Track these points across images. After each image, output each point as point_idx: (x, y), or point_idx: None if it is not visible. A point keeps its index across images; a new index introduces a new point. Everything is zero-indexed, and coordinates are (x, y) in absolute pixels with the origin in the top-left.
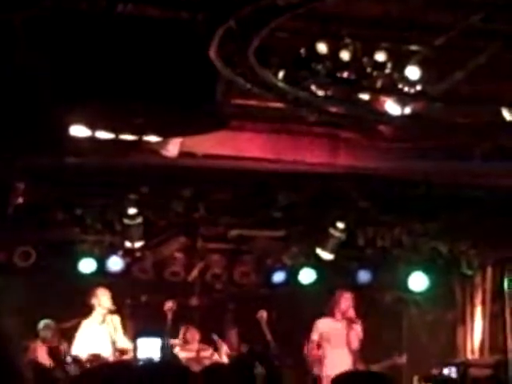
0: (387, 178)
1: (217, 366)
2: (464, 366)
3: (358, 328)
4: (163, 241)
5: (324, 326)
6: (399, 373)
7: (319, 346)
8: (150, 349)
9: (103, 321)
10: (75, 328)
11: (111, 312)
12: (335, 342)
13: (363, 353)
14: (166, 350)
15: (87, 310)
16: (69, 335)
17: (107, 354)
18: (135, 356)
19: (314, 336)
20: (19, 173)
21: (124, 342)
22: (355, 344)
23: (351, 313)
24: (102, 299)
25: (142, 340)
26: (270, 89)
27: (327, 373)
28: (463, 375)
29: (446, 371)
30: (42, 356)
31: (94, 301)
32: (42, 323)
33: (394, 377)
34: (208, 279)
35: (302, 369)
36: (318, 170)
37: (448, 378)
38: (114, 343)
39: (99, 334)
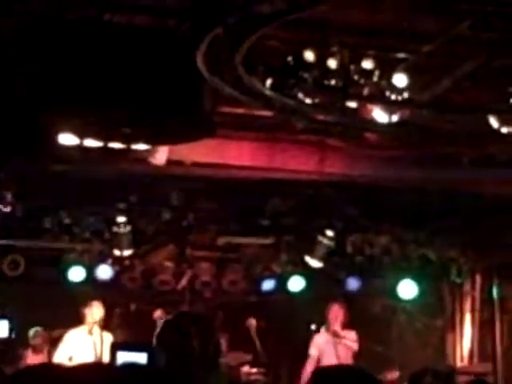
0: (375, 185)
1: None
2: (451, 372)
3: (346, 342)
4: (152, 249)
5: (320, 340)
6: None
7: (319, 361)
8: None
9: (90, 332)
10: (55, 340)
11: (101, 326)
12: (327, 356)
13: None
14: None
15: (77, 319)
16: (57, 344)
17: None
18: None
19: (313, 351)
20: (7, 181)
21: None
22: (346, 359)
23: (337, 326)
24: (95, 312)
25: (123, 354)
26: (258, 97)
27: None
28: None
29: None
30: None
31: (87, 311)
32: (32, 331)
33: None
34: (197, 287)
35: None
36: (306, 178)
37: None
38: (98, 355)
39: (83, 346)
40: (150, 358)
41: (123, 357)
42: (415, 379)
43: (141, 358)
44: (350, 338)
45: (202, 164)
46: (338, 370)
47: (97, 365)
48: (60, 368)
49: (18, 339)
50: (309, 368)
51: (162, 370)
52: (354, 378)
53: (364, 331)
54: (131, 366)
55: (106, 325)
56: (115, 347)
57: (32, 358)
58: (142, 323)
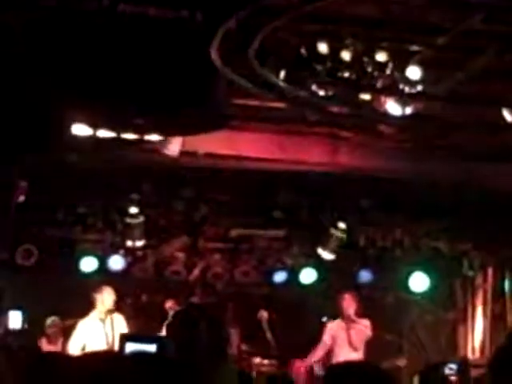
0: (388, 178)
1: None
2: (465, 365)
3: (358, 327)
4: (164, 240)
5: (333, 327)
6: (399, 373)
7: (331, 347)
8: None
9: (102, 320)
10: (69, 328)
11: (112, 311)
12: (340, 341)
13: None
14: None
15: (88, 309)
16: (70, 333)
17: None
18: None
19: (326, 337)
20: (21, 171)
21: None
22: (357, 342)
23: (351, 312)
24: (106, 298)
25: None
26: (271, 89)
27: None
28: (463, 373)
29: (446, 370)
30: None
31: (98, 297)
32: (49, 320)
33: (395, 376)
34: (209, 279)
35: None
36: (319, 170)
37: (446, 377)
38: (111, 343)
39: (96, 334)
40: (158, 350)
41: (132, 348)
42: (430, 371)
43: (150, 349)
44: (364, 325)
45: (215, 155)
46: (349, 368)
47: (107, 353)
48: (71, 357)
49: (30, 329)
50: (319, 351)
51: (171, 359)
52: (366, 377)
53: (376, 323)
54: (140, 355)
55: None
56: (125, 339)
57: (47, 348)
58: (154, 314)
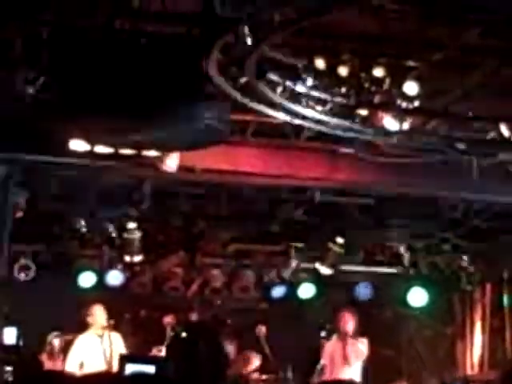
0: (386, 193)
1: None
2: (466, 382)
3: (355, 343)
4: (162, 255)
5: (330, 347)
6: None
7: (326, 367)
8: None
9: (99, 336)
10: (69, 344)
11: (110, 329)
12: (335, 359)
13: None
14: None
15: (86, 325)
16: (68, 349)
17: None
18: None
19: (324, 361)
20: (19, 186)
21: None
22: (351, 358)
23: (349, 329)
24: (98, 316)
25: (131, 366)
26: (268, 104)
27: None
28: None
29: None
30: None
31: (90, 319)
32: (51, 336)
33: None
34: (207, 294)
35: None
36: (316, 185)
37: None
38: (109, 362)
39: (93, 350)
40: (158, 370)
41: (132, 369)
42: None
43: (149, 370)
44: (361, 342)
45: (213, 170)
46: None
47: (107, 374)
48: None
49: (26, 346)
50: (315, 379)
51: (171, 379)
52: None
53: (374, 338)
54: (140, 376)
55: (114, 328)
56: (124, 360)
57: (47, 363)
58: (152, 329)
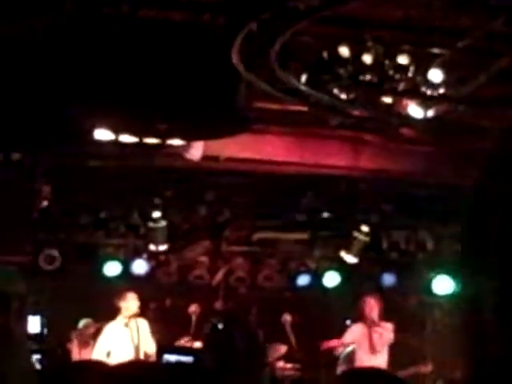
0: (411, 180)
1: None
2: None
3: (381, 330)
4: (187, 244)
5: (357, 330)
6: (423, 376)
7: (354, 352)
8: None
9: (126, 325)
10: (99, 332)
11: (137, 316)
12: (362, 345)
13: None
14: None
15: (112, 314)
16: (96, 337)
17: (129, 357)
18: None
19: (347, 338)
20: (44, 176)
21: (148, 347)
22: (378, 346)
23: (374, 315)
24: (130, 303)
25: (169, 357)
26: (292, 92)
27: None
28: None
29: None
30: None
31: (122, 304)
32: (82, 322)
33: (419, 381)
34: (232, 283)
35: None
36: (341, 173)
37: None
38: (136, 348)
39: (121, 339)
40: (195, 361)
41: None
42: None
43: (187, 360)
44: (386, 328)
45: (237, 159)
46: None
47: (146, 363)
48: (109, 366)
49: (52, 335)
50: (334, 342)
51: (209, 370)
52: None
53: (399, 327)
54: (180, 366)
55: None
56: (162, 351)
57: (77, 351)
58: (177, 318)
